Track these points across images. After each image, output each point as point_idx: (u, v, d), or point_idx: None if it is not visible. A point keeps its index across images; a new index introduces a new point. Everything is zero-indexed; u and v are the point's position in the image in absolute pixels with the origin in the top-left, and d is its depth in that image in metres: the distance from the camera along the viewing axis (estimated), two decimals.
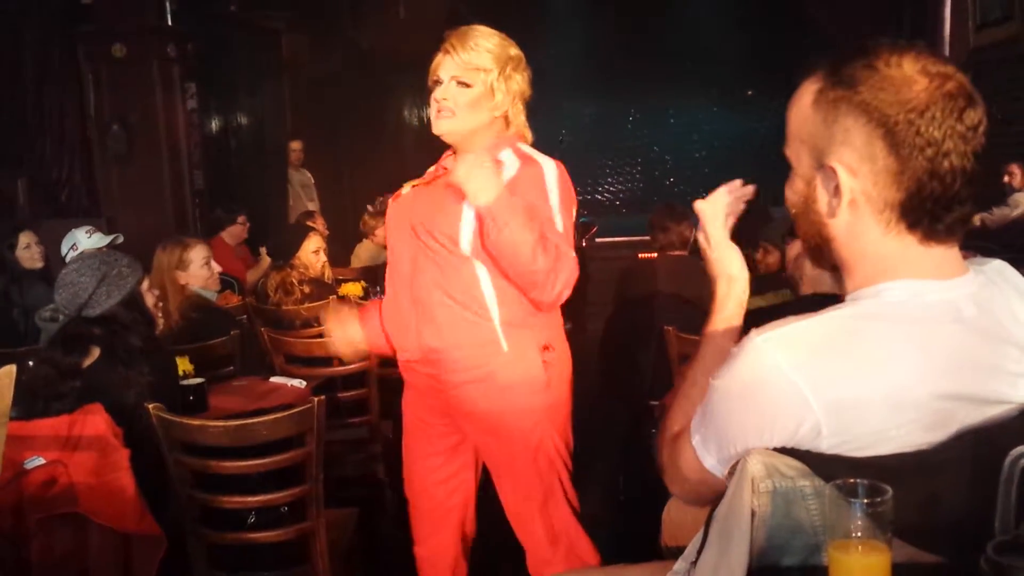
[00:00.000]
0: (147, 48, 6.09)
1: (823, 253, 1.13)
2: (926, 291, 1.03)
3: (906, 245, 1.04)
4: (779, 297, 3.44)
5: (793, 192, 1.13)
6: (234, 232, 5.88)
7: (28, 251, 4.25)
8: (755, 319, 1.70)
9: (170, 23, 6.23)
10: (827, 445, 0.99)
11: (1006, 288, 1.12)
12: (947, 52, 6.83)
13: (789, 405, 0.99)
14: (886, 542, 0.90)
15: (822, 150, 1.06)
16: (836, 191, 1.05)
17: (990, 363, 1.04)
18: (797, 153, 1.11)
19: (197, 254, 3.65)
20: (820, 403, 0.98)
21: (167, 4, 6.21)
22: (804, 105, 1.09)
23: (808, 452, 1.00)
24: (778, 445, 1.02)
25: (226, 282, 4.74)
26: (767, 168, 10.23)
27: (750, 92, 12.45)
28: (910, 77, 1.01)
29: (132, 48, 6.06)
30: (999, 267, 1.15)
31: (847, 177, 1.03)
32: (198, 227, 6.33)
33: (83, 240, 4.13)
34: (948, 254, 1.06)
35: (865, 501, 0.90)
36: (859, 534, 0.90)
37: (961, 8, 6.64)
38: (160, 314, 2.65)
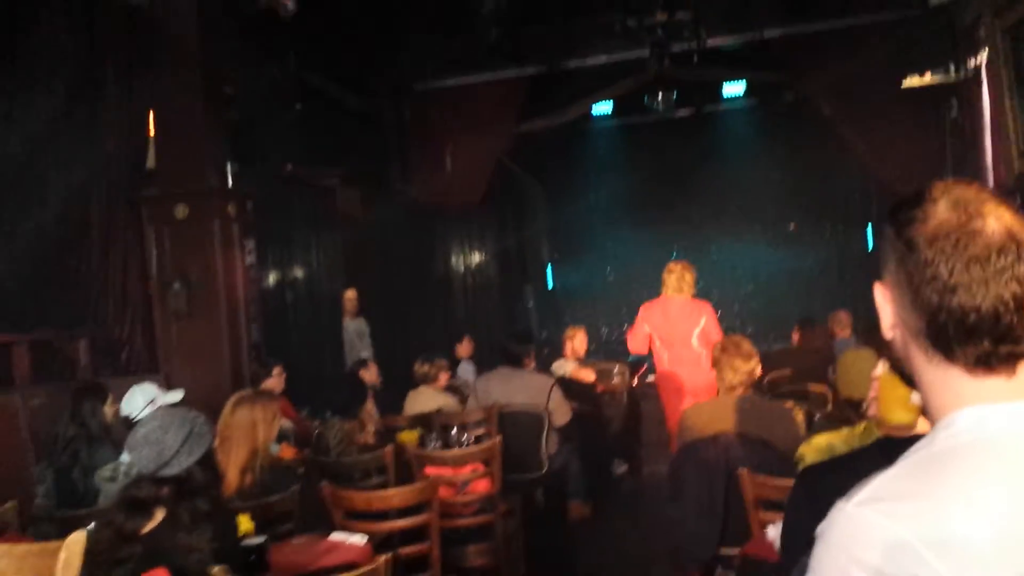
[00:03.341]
0: (208, 208, 6.29)
1: (905, 376, 1.23)
2: (992, 415, 0.99)
3: (954, 375, 1.02)
4: (852, 435, 3.29)
5: None
6: (272, 384, 5.89)
7: (110, 410, 4.26)
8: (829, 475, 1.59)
9: (230, 184, 6.46)
10: None
11: None
12: (991, 180, 6.82)
13: (902, 564, 0.92)
14: None
15: (879, 270, 1.11)
16: (882, 311, 1.09)
17: None
18: None
19: (276, 409, 3.63)
20: (932, 551, 0.91)
21: (227, 166, 6.47)
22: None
23: None
24: None
25: (281, 434, 4.70)
26: (810, 299, 10.22)
27: (793, 226, 12.53)
28: (940, 210, 1.02)
29: (194, 209, 6.27)
30: None
31: (885, 298, 1.08)
32: (253, 381, 6.34)
33: (160, 396, 4.14)
34: (1009, 381, 1.01)
35: None
36: None
37: (1003, 136, 6.66)
38: (245, 473, 2.59)
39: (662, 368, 6.33)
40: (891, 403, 2.08)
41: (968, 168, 7.35)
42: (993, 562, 0.91)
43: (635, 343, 6.41)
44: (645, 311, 6.38)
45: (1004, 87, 6.56)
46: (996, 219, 1.01)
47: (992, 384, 1.01)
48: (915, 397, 1.99)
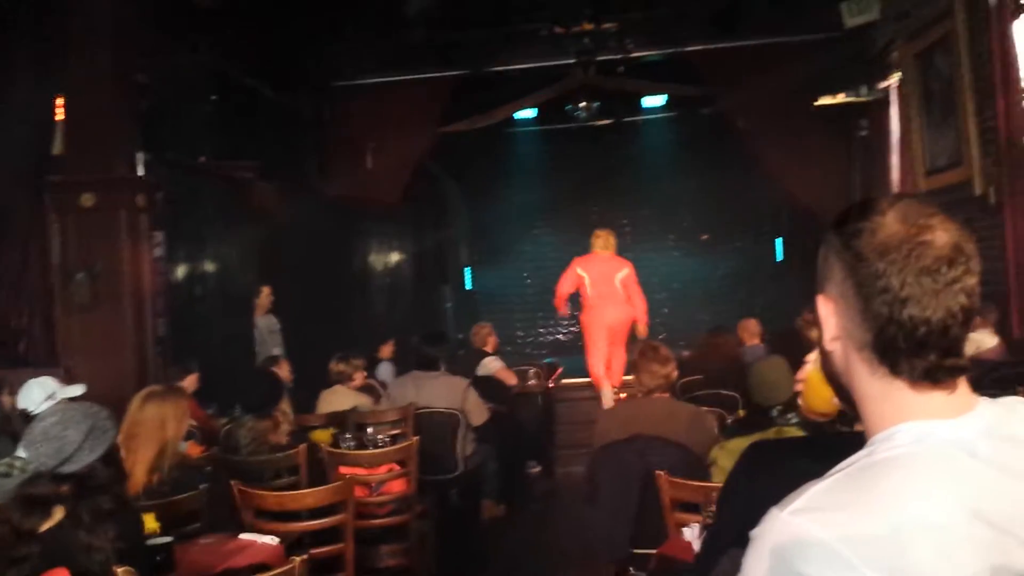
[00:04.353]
0: (116, 198, 6.05)
1: (836, 389, 1.13)
2: (934, 431, 1.00)
3: (897, 388, 1.02)
4: (764, 438, 3.36)
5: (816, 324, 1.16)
6: (190, 382, 5.74)
7: (7, 401, 4.04)
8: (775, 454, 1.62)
9: (140, 173, 6.23)
10: None
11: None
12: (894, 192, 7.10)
13: (834, 574, 0.92)
14: None
15: (819, 283, 1.10)
16: (825, 323, 1.08)
17: (1013, 498, 0.98)
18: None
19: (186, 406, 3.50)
20: (866, 562, 0.91)
21: (138, 155, 6.24)
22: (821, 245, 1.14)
23: None
24: None
25: (188, 432, 4.55)
26: (720, 307, 10.50)
27: (705, 236, 12.85)
28: (889, 223, 1.02)
29: (101, 197, 6.02)
30: (1012, 402, 1.09)
31: (829, 310, 1.06)
32: (159, 375, 6.13)
33: (60, 390, 3.95)
34: (950, 396, 1.03)
35: None
36: None
37: (911, 155, 6.95)
38: (152, 471, 2.48)
39: (590, 304, 7.93)
40: (816, 397, 2.26)
41: (875, 185, 7.64)
42: (929, 573, 0.91)
43: (565, 285, 8.05)
44: (578, 261, 8.07)
45: (913, 109, 6.86)
46: (944, 231, 1.01)
47: (934, 399, 1.02)
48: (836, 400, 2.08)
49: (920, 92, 6.75)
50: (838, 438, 2.15)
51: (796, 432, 3.34)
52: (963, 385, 1.03)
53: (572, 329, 12.83)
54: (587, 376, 8.34)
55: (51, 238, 6.03)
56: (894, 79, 7.24)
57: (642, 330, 7.88)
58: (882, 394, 1.04)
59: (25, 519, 2.21)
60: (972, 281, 1.01)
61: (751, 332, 7.25)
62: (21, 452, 2.38)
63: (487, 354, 7.36)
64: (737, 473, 1.71)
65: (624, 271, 7.91)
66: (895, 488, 0.96)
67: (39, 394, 3.97)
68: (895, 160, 7.31)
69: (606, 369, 7.85)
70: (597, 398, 7.83)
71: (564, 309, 8.33)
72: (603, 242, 8.02)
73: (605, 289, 7.81)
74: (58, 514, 2.24)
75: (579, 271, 7.97)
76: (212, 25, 6.83)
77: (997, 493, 0.97)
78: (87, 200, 5.98)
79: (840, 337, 1.06)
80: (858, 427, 1.12)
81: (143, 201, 6.14)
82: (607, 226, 8.61)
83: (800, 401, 2.38)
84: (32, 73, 5.88)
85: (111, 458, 2.34)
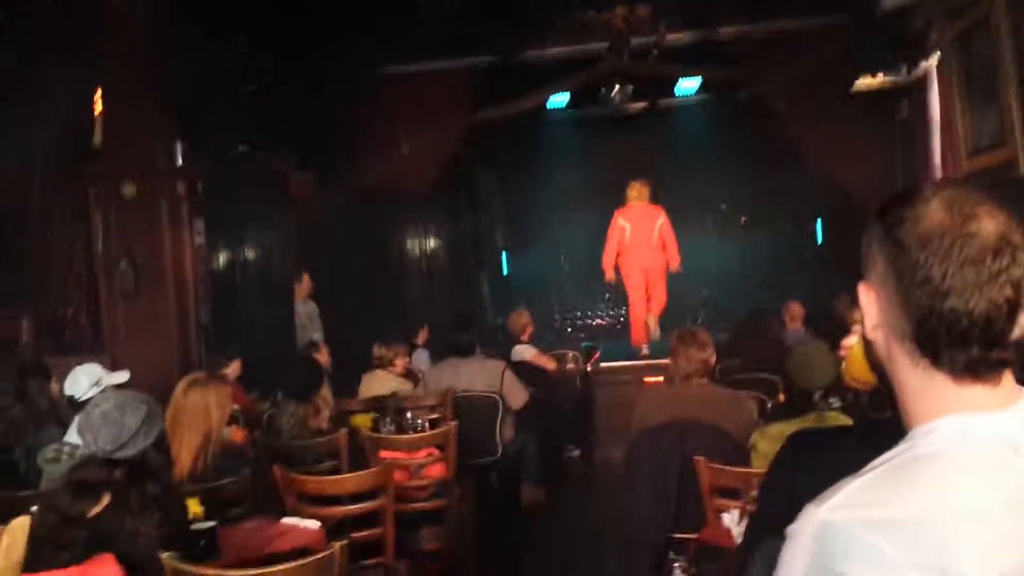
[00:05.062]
0: (156, 187, 6.12)
1: (879, 377, 1.10)
2: (975, 424, 0.97)
3: (939, 381, 1.00)
4: (804, 424, 3.31)
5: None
6: (233, 369, 5.79)
7: (55, 388, 4.11)
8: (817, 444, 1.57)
9: (180, 163, 6.29)
10: None
11: None
12: (939, 178, 6.95)
13: (873, 571, 0.90)
14: None
15: (863, 271, 1.07)
16: (867, 311, 1.06)
17: None
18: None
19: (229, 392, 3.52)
20: (905, 559, 0.89)
21: (177, 146, 6.29)
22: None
23: None
24: None
25: (231, 417, 4.59)
26: (759, 290, 10.33)
27: (744, 220, 12.66)
28: (933, 211, 0.99)
29: (142, 187, 6.09)
30: None
31: (871, 299, 1.05)
32: (202, 362, 6.21)
33: (106, 376, 4.00)
34: (993, 389, 0.99)
35: None
36: None
37: (952, 136, 6.79)
38: (197, 457, 2.50)
39: (627, 249, 8.83)
40: (859, 365, 2.29)
41: (917, 167, 7.48)
42: (971, 571, 0.89)
43: (612, 241, 8.92)
44: (619, 212, 8.97)
45: (954, 90, 6.69)
46: (991, 220, 0.98)
47: (977, 392, 0.99)
48: None
49: (960, 72, 6.59)
50: (881, 427, 2.10)
51: (838, 418, 3.29)
52: (1007, 378, 1.00)
53: (610, 313, 12.80)
54: (626, 359, 8.56)
55: (94, 227, 6.11)
56: (934, 60, 7.07)
57: (675, 267, 8.96)
58: (923, 386, 1.01)
59: (75, 504, 2.23)
60: (1019, 272, 0.96)
61: (793, 315, 7.15)
62: (73, 438, 2.41)
63: (521, 342, 7.35)
64: (777, 464, 1.69)
65: (660, 219, 8.89)
66: (935, 484, 0.93)
67: (85, 381, 4.02)
68: (936, 142, 7.14)
69: (647, 304, 8.92)
70: (636, 382, 7.79)
71: (611, 272, 8.95)
72: (637, 192, 8.88)
73: (642, 236, 8.79)
74: (105, 500, 2.26)
75: (621, 221, 8.87)
76: (246, 14, 6.83)
77: None
78: (128, 190, 6.06)
79: (881, 326, 1.04)
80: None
81: (183, 190, 6.21)
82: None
83: (844, 367, 2.37)
84: (69, 66, 5.93)
85: (161, 444, 2.36)
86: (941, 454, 0.96)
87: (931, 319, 0.97)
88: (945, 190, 1.01)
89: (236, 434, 4.58)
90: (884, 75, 7.71)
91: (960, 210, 0.98)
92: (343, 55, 8.94)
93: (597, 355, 9.04)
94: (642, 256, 8.83)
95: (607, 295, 12.49)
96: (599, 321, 12.90)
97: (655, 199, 9.09)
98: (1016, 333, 0.98)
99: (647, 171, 11.85)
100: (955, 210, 0.98)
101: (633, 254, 8.84)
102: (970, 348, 0.97)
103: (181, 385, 3.38)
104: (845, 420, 3.20)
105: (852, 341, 3.05)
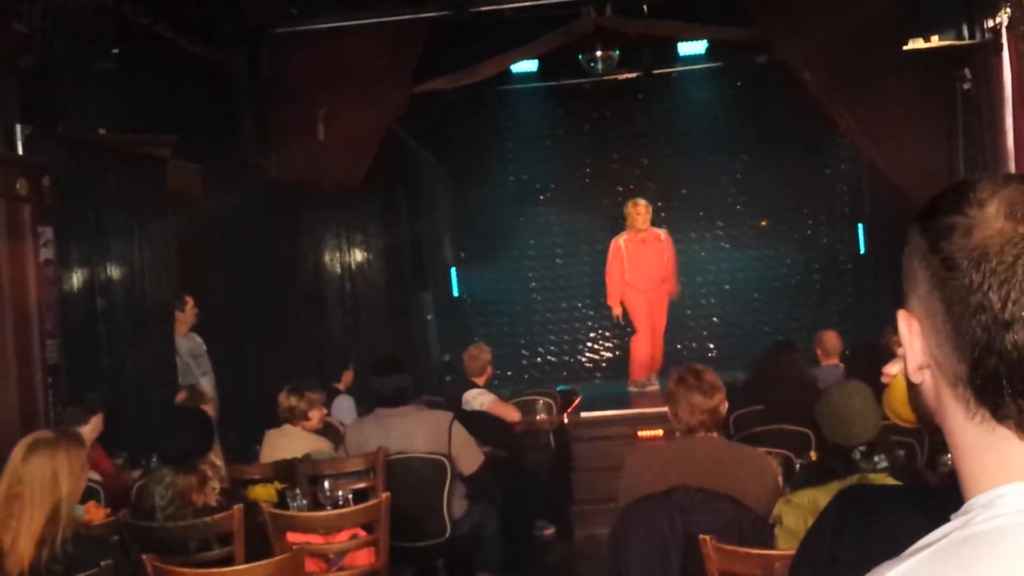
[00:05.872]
0: None
1: (928, 429, 1.18)
2: None
3: (1001, 438, 0.99)
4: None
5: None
6: (94, 426, 5.75)
7: None
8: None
9: (20, 152, 6.25)
10: None
11: None
12: (1013, 168, 7.09)
13: None
14: None
15: (904, 294, 1.07)
16: (909, 348, 1.05)
17: None
18: None
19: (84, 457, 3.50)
20: None
21: (17, 129, 6.25)
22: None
23: None
24: None
25: (88, 491, 4.55)
26: (785, 315, 10.45)
27: (764, 223, 12.69)
28: (989, 216, 0.98)
29: None
30: None
31: (913, 331, 1.03)
32: (50, 417, 6.15)
33: None
34: None
35: None
36: None
37: None
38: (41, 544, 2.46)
39: (629, 283, 9.56)
40: (902, 401, 2.30)
41: (985, 153, 7.61)
42: None
43: (614, 275, 9.61)
44: (619, 240, 9.72)
45: None
46: None
47: None
48: None
49: None
50: (941, 492, 2.14)
51: (884, 480, 3.34)
52: None
53: (596, 345, 12.84)
54: (615, 407, 8.67)
55: None
56: (1004, 17, 7.23)
57: (674, 293, 9.87)
58: (982, 444, 1.01)
59: None
60: None
61: (828, 349, 7.22)
62: None
63: (474, 385, 7.36)
64: (817, 524, 1.70)
65: (667, 253, 9.73)
66: (996, 570, 0.93)
67: None
68: (1008, 121, 7.29)
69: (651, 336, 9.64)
70: (627, 437, 7.83)
71: (618, 307, 9.69)
72: (641, 217, 9.59)
73: (646, 271, 9.59)
74: None
75: (622, 250, 9.66)
76: None
77: None
78: None
79: (928, 366, 1.04)
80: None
81: (24, 188, 6.16)
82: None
83: (884, 399, 2.39)
84: None
85: None
86: (1004, 532, 0.96)
87: (990, 358, 0.96)
88: (1006, 188, 1.00)
89: (94, 513, 4.55)
90: (941, 36, 7.86)
91: None
92: (240, 4, 8.94)
93: (577, 401, 9.07)
94: (647, 292, 9.64)
95: (589, 323, 12.57)
96: (580, 357, 12.94)
97: (656, 211, 9.95)
98: None
99: (638, 159, 11.98)
100: (1019, 215, 0.97)
101: (636, 288, 9.63)
102: None
103: (20, 447, 3.35)
104: (893, 484, 3.25)
105: (896, 370, 3.07)
